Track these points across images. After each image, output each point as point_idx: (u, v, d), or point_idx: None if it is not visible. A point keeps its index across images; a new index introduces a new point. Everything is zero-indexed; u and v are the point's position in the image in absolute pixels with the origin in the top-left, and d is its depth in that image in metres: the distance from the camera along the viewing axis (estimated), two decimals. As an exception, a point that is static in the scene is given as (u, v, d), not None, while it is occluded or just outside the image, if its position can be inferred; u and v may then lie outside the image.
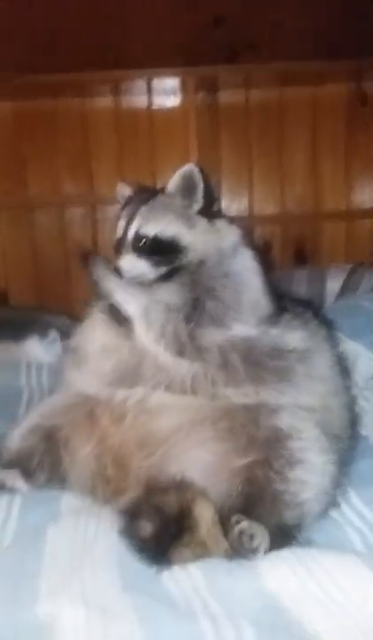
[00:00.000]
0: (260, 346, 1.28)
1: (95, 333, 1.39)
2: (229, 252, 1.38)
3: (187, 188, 1.37)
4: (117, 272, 1.32)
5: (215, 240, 1.37)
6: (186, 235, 1.35)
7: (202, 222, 1.38)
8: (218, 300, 1.29)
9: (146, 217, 1.35)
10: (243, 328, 1.28)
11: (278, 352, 1.29)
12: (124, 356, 1.32)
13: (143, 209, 1.36)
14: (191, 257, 1.35)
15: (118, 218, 1.43)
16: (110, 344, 1.35)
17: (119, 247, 1.36)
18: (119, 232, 1.38)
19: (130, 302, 1.32)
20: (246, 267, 1.38)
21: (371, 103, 2.96)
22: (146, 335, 1.29)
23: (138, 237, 1.34)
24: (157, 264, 1.33)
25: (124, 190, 1.49)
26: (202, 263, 1.35)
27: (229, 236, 1.40)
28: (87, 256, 1.38)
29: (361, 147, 3.02)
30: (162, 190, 1.40)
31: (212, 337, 1.26)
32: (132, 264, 1.33)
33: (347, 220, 3.11)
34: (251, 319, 1.30)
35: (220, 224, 1.41)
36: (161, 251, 1.34)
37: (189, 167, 1.37)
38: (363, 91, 2.94)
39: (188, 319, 1.26)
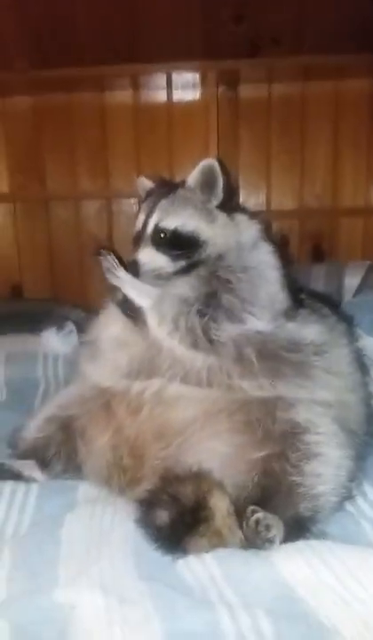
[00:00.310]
0: (276, 339, 1.27)
1: (112, 326, 1.40)
2: (248, 246, 1.38)
3: (207, 182, 1.37)
4: (135, 265, 1.33)
5: (234, 234, 1.38)
6: (205, 229, 1.35)
7: (222, 217, 1.38)
8: (235, 294, 1.29)
9: (166, 210, 1.35)
10: (259, 323, 1.28)
11: (295, 345, 1.28)
12: (140, 348, 1.33)
13: (163, 202, 1.37)
14: (210, 251, 1.35)
15: (138, 211, 1.44)
16: (127, 337, 1.36)
17: (138, 240, 1.37)
18: (139, 225, 1.39)
19: (142, 295, 1.32)
20: (264, 261, 1.37)
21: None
22: (158, 328, 1.29)
23: (157, 230, 1.35)
24: (176, 258, 1.34)
25: (145, 184, 1.50)
26: (220, 257, 1.34)
27: (248, 230, 1.40)
28: (100, 250, 1.38)
29: (383, 143, 2.98)
30: (183, 184, 1.41)
31: (227, 331, 1.26)
32: (151, 257, 1.34)
33: (366, 217, 3.08)
34: (267, 314, 1.30)
35: (240, 218, 1.41)
36: (180, 244, 1.34)
37: (209, 161, 1.38)
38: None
39: (202, 313, 1.26)
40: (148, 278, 1.34)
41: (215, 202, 1.38)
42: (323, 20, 2.51)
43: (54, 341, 2.18)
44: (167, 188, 1.43)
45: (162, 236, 1.35)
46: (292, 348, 1.27)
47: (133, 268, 1.33)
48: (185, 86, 2.95)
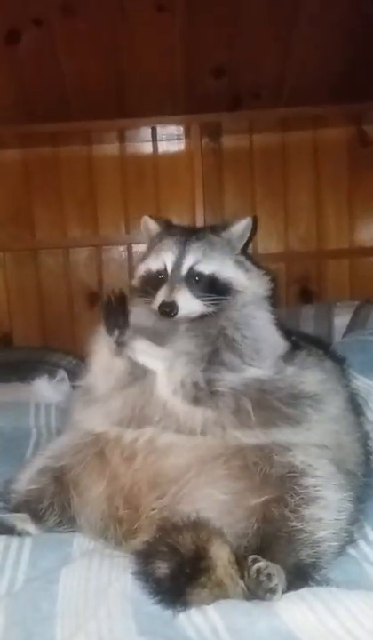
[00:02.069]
0: (274, 390, 1.28)
1: (106, 373, 1.38)
2: (260, 299, 1.42)
3: (240, 236, 1.45)
4: (173, 307, 1.31)
5: (258, 286, 1.43)
6: (240, 278, 1.39)
7: (252, 268, 1.44)
8: (239, 352, 1.30)
9: (203, 253, 1.37)
10: (260, 371, 1.29)
11: (292, 397, 1.29)
12: (133, 396, 1.32)
13: (196, 245, 1.38)
14: (238, 299, 1.38)
15: (149, 250, 1.45)
16: (120, 384, 1.34)
17: (162, 280, 1.36)
18: (167, 265, 1.37)
19: (153, 359, 1.30)
20: (266, 315, 1.41)
21: (372, 144, 3.05)
22: (166, 388, 1.28)
23: (192, 273, 1.36)
24: (208, 303, 1.34)
25: (150, 224, 1.52)
26: (242, 306, 1.38)
27: (264, 283, 1.45)
28: (108, 306, 1.33)
29: (363, 187, 3.09)
30: (193, 228, 1.45)
31: (227, 381, 1.26)
32: (187, 301, 1.33)
33: (351, 258, 3.15)
34: (268, 363, 1.31)
35: (257, 270, 1.46)
36: (215, 290, 1.36)
37: (250, 220, 1.46)
38: (364, 133, 3.04)
39: (206, 370, 1.27)
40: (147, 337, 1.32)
41: (236, 252, 1.44)
42: (301, 74, 2.63)
43: (46, 390, 2.16)
44: (185, 230, 1.47)
45: (196, 279, 1.36)
46: (289, 401, 1.28)
47: (169, 311, 1.31)
48: (170, 138, 3.08)
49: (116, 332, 1.30)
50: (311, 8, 2.30)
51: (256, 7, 2.31)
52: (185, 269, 1.36)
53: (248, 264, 1.45)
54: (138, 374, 1.32)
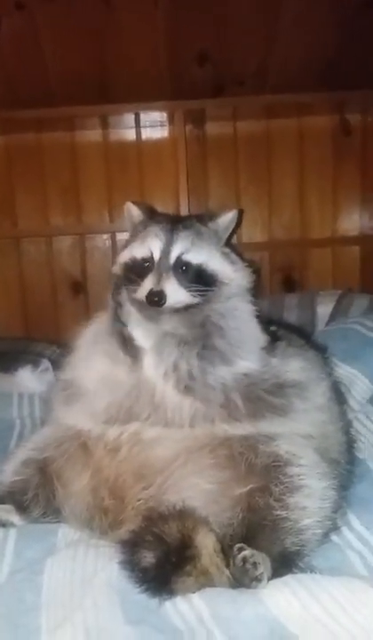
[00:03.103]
0: (261, 382, 1.28)
1: (94, 366, 1.35)
2: (243, 292, 1.41)
3: (227, 227, 1.44)
4: (161, 296, 1.28)
5: (241, 278, 1.41)
6: (226, 270, 1.38)
7: (238, 261, 1.43)
8: (226, 339, 1.30)
9: (191, 243, 1.35)
10: (248, 364, 1.29)
11: (279, 388, 1.29)
12: (119, 395, 1.30)
13: (184, 234, 1.36)
14: (223, 291, 1.37)
15: (132, 237, 1.42)
16: (108, 380, 1.32)
17: (149, 268, 1.34)
18: (154, 252, 1.34)
19: (145, 335, 1.29)
20: (249, 308, 1.41)
21: (354, 133, 3.05)
22: (155, 369, 1.27)
23: (179, 263, 1.34)
24: (194, 293, 1.32)
25: (133, 210, 1.48)
26: (226, 298, 1.37)
27: (248, 277, 1.44)
28: (117, 284, 1.33)
29: (347, 176, 3.09)
30: (178, 217, 1.43)
31: (219, 374, 1.26)
32: (175, 290, 1.30)
33: (334, 247, 3.17)
34: (254, 355, 1.31)
35: (242, 264, 1.45)
36: (202, 281, 1.34)
37: (236, 212, 1.44)
38: (347, 121, 3.03)
39: (201, 356, 1.26)
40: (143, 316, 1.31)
41: (221, 243, 1.43)
42: (285, 61, 2.61)
43: (29, 380, 2.15)
44: (171, 218, 1.45)
45: (183, 268, 1.33)
46: (275, 391, 1.28)
47: (157, 300, 1.28)
48: (153, 125, 3.04)
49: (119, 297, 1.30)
50: (296, -5, 2.29)
51: (241, -7, 2.29)
52: (173, 258, 1.33)
53: (233, 256, 1.44)
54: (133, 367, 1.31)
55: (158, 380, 1.27)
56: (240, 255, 1.49)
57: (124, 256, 1.42)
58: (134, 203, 1.49)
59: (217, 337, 1.29)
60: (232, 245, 1.51)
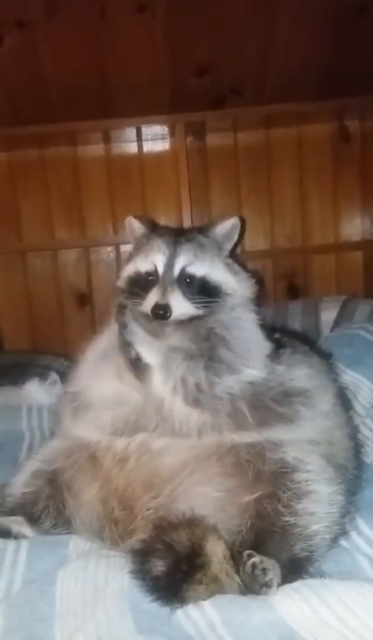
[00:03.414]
0: (268, 390, 1.29)
1: (103, 382, 1.36)
2: (246, 301, 1.43)
3: (228, 236, 1.45)
4: (167, 309, 1.29)
5: (245, 289, 1.43)
6: (230, 281, 1.40)
7: (241, 271, 1.44)
8: (231, 350, 1.31)
9: (194, 255, 1.36)
10: (252, 372, 1.30)
11: (285, 396, 1.30)
12: (127, 410, 1.31)
13: (187, 246, 1.37)
14: (227, 302, 1.38)
15: (136, 251, 1.43)
16: (116, 396, 1.33)
17: (153, 281, 1.35)
18: (158, 266, 1.36)
19: (151, 352, 1.30)
20: (252, 317, 1.42)
21: (354, 140, 3.08)
22: (164, 385, 1.28)
23: (183, 275, 1.35)
24: (199, 305, 1.34)
25: (134, 224, 1.49)
26: (230, 309, 1.38)
27: (251, 287, 1.45)
28: (121, 305, 1.34)
29: (347, 182, 3.11)
30: (180, 229, 1.45)
31: (226, 384, 1.27)
32: (180, 303, 1.32)
33: (336, 254, 3.18)
34: (260, 363, 1.32)
35: (245, 274, 1.47)
36: (206, 292, 1.36)
37: (236, 219, 1.45)
38: (346, 128, 3.06)
39: (208, 367, 1.27)
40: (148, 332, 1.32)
41: (224, 254, 1.44)
42: (283, 70, 2.64)
43: (38, 392, 2.17)
44: (173, 231, 1.46)
45: (187, 281, 1.35)
46: (282, 400, 1.29)
47: (163, 313, 1.29)
48: (154, 138, 3.08)
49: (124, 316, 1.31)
50: (292, 5, 2.31)
51: (237, 5, 2.32)
52: (176, 271, 1.35)
53: (235, 266, 1.45)
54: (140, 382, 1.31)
55: (167, 395, 1.27)
56: (242, 265, 1.51)
57: (128, 270, 1.43)
58: (135, 217, 1.51)
59: (222, 348, 1.30)
60: (235, 255, 1.52)
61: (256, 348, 1.35)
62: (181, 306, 1.32)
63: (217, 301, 1.37)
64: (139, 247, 1.45)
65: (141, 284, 1.37)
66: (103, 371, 1.36)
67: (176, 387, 1.26)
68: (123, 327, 1.31)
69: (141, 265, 1.39)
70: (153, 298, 1.32)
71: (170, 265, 1.35)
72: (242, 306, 1.41)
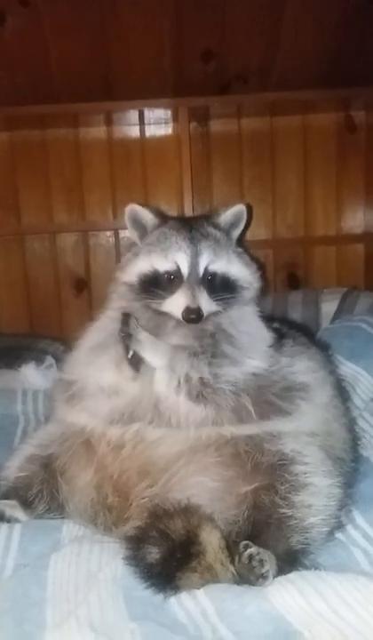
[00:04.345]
0: (270, 384, 1.28)
1: (99, 372, 1.34)
2: (257, 293, 1.44)
3: (234, 224, 1.44)
4: (199, 313, 1.27)
5: (256, 281, 1.43)
6: (246, 274, 1.40)
7: (252, 262, 1.44)
8: (236, 345, 1.30)
9: (214, 253, 1.35)
10: (255, 362, 1.29)
11: (286, 391, 1.29)
12: (123, 401, 1.30)
13: (206, 244, 1.35)
14: (244, 295, 1.39)
15: (160, 248, 1.36)
16: (112, 384, 1.32)
17: (175, 281, 1.33)
18: (181, 266, 1.33)
19: (156, 354, 1.28)
20: (253, 309, 1.43)
21: (359, 131, 3.04)
22: (167, 385, 1.26)
23: (206, 273, 1.34)
24: (220, 301, 1.34)
25: (144, 214, 1.43)
26: (244, 303, 1.39)
27: (259, 278, 1.45)
28: (124, 316, 1.32)
29: (351, 173, 3.08)
30: (190, 220, 1.43)
31: (229, 374, 1.26)
32: (207, 303, 1.31)
33: (338, 245, 3.16)
34: (261, 354, 1.32)
35: (253, 263, 1.46)
36: (225, 288, 1.36)
37: (241, 206, 1.44)
38: (351, 119, 3.03)
39: (211, 363, 1.26)
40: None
41: (233, 243, 1.43)
42: (289, 58, 2.61)
43: (34, 376, 2.16)
44: (185, 224, 1.40)
45: (209, 278, 1.34)
46: (284, 394, 1.29)
47: (195, 318, 1.28)
48: (157, 122, 3.03)
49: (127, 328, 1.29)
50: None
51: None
52: (201, 271, 1.33)
53: (246, 257, 1.44)
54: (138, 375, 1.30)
55: (170, 394, 1.26)
56: (250, 254, 1.49)
57: (141, 267, 1.38)
58: (140, 205, 1.45)
59: (226, 344, 1.29)
60: (243, 244, 1.50)
61: (259, 339, 1.35)
62: (208, 306, 1.31)
63: (235, 297, 1.37)
64: (153, 241, 1.39)
65: (160, 283, 1.34)
66: (100, 360, 1.34)
67: (180, 384, 1.25)
68: (127, 338, 1.29)
69: (160, 263, 1.35)
70: (182, 301, 1.29)
71: (193, 265, 1.33)
72: (254, 298, 1.41)
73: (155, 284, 1.34)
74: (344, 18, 2.41)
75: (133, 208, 1.43)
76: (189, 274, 1.32)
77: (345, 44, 2.53)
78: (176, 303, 1.30)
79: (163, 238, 1.37)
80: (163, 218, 1.45)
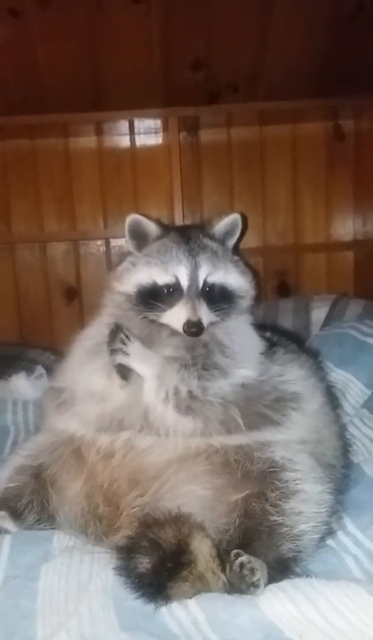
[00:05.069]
0: (261, 395, 1.28)
1: (88, 378, 1.33)
2: (252, 301, 1.44)
3: (228, 234, 1.44)
4: (200, 326, 1.27)
5: (252, 289, 1.44)
6: (243, 283, 1.41)
7: (248, 270, 1.44)
8: (227, 354, 1.30)
9: (213, 265, 1.35)
10: (244, 372, 1.29)
11: (277, 402, 1.29)
12: (111, 407, 1.29)
13: (204, 256, 1.35)
14: (241, 304, 1.40)
15: (160, 261, 1.36)
16: (101, 393, 1.31)
17: (174, 294, 1.32)
18: (181, 279, 1.33)
19: (146, 365, 1.28)
20: (246, 317, 1.43)
21: (347, 139, 3.07)
22: (155, 395, 1.25)
23: (205, 285, 1.34)
24: (218, 312, 1.34)
25: (148, 225, 1.42)
26: (240, 312, 1.40)
27: (254, 286, 1.46)
28: (117, 327, 1.31)
29: (340, 181, 3.11)
30: (187, 232, 1.42)
31: (218, 386, 1.26)
32: (207, 315, 1.31)
33: (328, 253, 3.18)
34: (251, 362, 1.32)
35: (249, 271, 1.46)
36: (223, 299, 1.36)
37: (235, 216, 1.45)
38: (340, 128, 3.06)
39: (201, 376, 1.26)
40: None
41: (229, 252, 1.44)
42: (278, 67, 2.63)
43: (24, 386, 2.14)
44: (183, 236, 1.40)
45: (207, 289, 1.34)
46: (274, 405, 1.28)
47: (196, 331, 1.27)
48: (147, 132, 3.05)
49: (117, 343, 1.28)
50: (287, 2, 2.30)
51: (232, 0, 2.30)
52: (200, 283, 1.33)
53: (241, 266, 1.44)
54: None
55: (159, 405, 1.25)
56: (245, 262, 1.50)
57: (140, 278, 1.37)
58: (144, 215, 1.44)
59: (218, 354, 1.29)
60: (238, 252, 1.51)
61: (251, 348, 1.35)
62: (208, 318, 1.31)
63: (232, 306, 1.37)
64: (152, 253, 1.38)
65: (159, 295, 1.34)
66: (90, 367, 1.34)
67: (168, 396, 1.24)
68: (115, 352, 1.28)
69: (159, 276, 1.34)
70: (182, 314, 1.29)
71: (193, 277, 1.33)
72: (250, 307, 1.42)
73: (154, 297, 1.34)
74: (331, 28, 2.44)
75: (136, 218, 1.42)
76: (189, 286, 1.33)
77: (332, 53, 2.56)
78: (176, 316, 1.30)
79: (164, 250, 1.37)
80: (165, 229, 1.45)
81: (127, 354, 1.27)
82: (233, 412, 1.24)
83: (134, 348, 1.28)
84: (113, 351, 1.28)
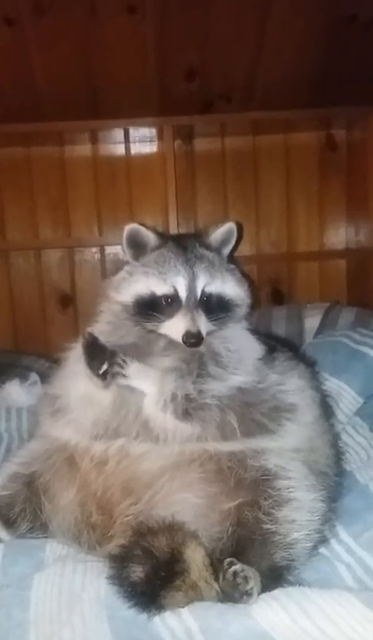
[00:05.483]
0: (258, 402, 1.29)
1: (78, 383, 1.33)
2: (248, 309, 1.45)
3: (224, 242, 1.45)
4: (199, 337, 1.28)
5: (248, 297, 1.44)
6: (240, 292, 1.42)
7: (243, 279, 1.45)
8: (222, 364, 1.31)
9: (210, 275, 1.36)
10: (240, 378, 1.30)
11: (274, 410, 1.29)
12: (106, 412, 1.29)
13: (202, 266, 1.36)
14: (238, 312, 1.41)
15: (158, 271, 1.36)
16: (93, 396, 1.31)
17: (172, 306, 1.33)
18: (179, 290, 1.33)
19: (146, 382, 1.27)
20: (244, 324, 1.44)
21: (340, 149, 3.10)
22: (155, 406, 1.26)
23: (203, 295, 1.35)
24: (215, 321, 1.35)
25: (147, 235, 1.41)
26: (237, 319, 1.40)
27: (250, 294, 1.46)
28: (93, 339, 1.30)
29: (333, 190, 3.14)
30: (183, 241, 1.43)
31: (214, 389, 1.26)
32: (205, 325, 1.32)
33: (321, 261, 3.20)
34: (247, 367, 1.32)
35: (246, 281, 1.47)
36: (220, 308, 1.37)
37: (233, 225, 1.45)
38: (333, 137, 3.09)
39: (196, 382, 1.26)
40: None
41: (225, 261, 1.45)
42: (272, 78, 2.65)
43: (18, 393, 2.13)
44: (180, 245, 1.40)
45: (205, 299, 1.35)
46: (271, 414, 1.29)
47: (196, 340, 1.28)
48: (142, 140, 3.07)
49: (104, 366, 1.26)
50: (283, 13, 2.33)
51: (226, 10, 2.33)
52: (198, 294, 1.34)
53: (238, 274, 1.45)
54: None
55: (158, 414, 1.25)
56: (240, 269, 1.51)
57: (138, 289, 1.37)
58: (142, 225, 1.44)
59: (213, 364, 1.30)
60: (234, 260, 1.52)
61: (248, 354, 1.36)
62: (206, 328, 1.32)
63: (229, 315, 1.38)
64: (150, 263, 1.38)
65: (157, 306, 1.34)
66: (82, 374, 1.33)
67: (166, 403, 1.25)
68: (116, 375, 1.27)
69: (158, 287, 1.34)
70: (181, 325, 1.30)
71: (191, 288, 1.34)
72: (246, 314, 1.43)
73: (152, 307, 1.34)
74: (325, 38, 2.47)
75: (135, 227, 1.41)
76: (187, 297, 1.33)
77: (326, 64, 2.59)
78: (175, 327, 1.31)
79: (162, 261, 1.37)
80: (164, 238, 1.44)
81: (126, 376, 1.27)
82: (230, 417, 1.25)
83: (132, 369, 1.27)
84: (113, 375, 1.27)
